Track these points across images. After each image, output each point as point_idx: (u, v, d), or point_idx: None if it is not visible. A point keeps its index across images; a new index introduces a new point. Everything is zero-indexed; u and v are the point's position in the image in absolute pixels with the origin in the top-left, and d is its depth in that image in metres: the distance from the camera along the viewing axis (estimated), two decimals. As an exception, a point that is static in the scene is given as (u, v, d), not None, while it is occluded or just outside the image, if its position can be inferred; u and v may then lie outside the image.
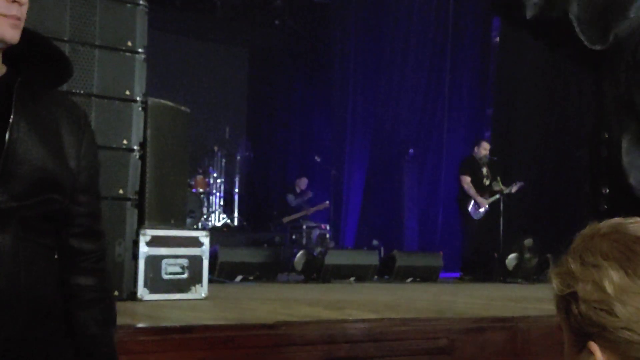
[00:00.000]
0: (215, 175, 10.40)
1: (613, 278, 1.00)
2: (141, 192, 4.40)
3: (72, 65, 1.61)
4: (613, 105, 2.08)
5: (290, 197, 10.45)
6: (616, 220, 1.06)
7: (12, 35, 1.46)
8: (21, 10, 1.46)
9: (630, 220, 1.05)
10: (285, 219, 9.95)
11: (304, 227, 9.51)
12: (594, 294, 1.00)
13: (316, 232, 9.42)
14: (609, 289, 0.99)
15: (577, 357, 1.04)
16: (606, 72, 2.11)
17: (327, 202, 10.33)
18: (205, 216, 9.95)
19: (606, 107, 2.10)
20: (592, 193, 2.11)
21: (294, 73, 12.78)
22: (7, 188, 1.42)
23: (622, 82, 2.05)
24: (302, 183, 10.70)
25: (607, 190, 2.05)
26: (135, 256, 4.34)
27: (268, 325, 3.23)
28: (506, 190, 9.05)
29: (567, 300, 1.03)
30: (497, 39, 11.64)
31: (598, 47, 2.09)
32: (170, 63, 10.89)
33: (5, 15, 1.44)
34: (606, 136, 2.07)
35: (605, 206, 2.04)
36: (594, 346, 1.01)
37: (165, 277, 4.45)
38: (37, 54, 1.54)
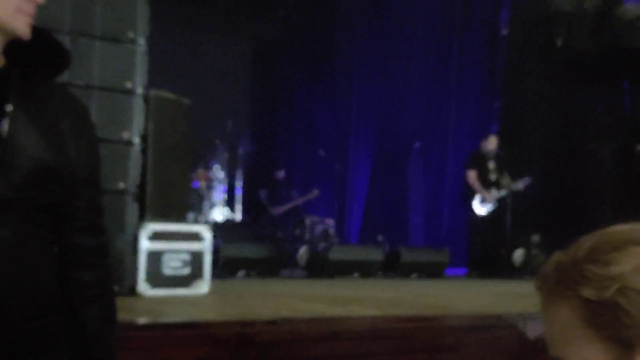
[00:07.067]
0: (217, 168, 10.37)
1: None
2: (142, 186, 4.42)
3: (70, 55, 1.63)
4: None
5: (262, 193, 10.16)
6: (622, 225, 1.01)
7: (26, 31, 1.53)
8: (34, 8, 1.54)
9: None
10: (276, 211, 9.78)
11: (308, 222, 9.44)
12: None
13: (320, 227, 9.35)
14: None
15: None
16: None
17: (317, 190, 10.15)
18: (207, 210, 9.91)
19: None
20: (624, 153, 2.05)
21: (297, 66, 12.73)
22: (6, 179, 1.43)
23: None
24: (280, 174, 10.42)
25: None
26: (135, 251, 4.34)
27: (271, 322, 3.22)
28: (512, 187, 8.98)
29: (607, 306, 0.96)
30: (505, 31, 11.57)
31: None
32: (171, 55, 10.84)
33: (22, 11, 1.51)
34: None
35: None
36: None
37: (167, 272, 4.45)
38: (34, 45, 1.56)
